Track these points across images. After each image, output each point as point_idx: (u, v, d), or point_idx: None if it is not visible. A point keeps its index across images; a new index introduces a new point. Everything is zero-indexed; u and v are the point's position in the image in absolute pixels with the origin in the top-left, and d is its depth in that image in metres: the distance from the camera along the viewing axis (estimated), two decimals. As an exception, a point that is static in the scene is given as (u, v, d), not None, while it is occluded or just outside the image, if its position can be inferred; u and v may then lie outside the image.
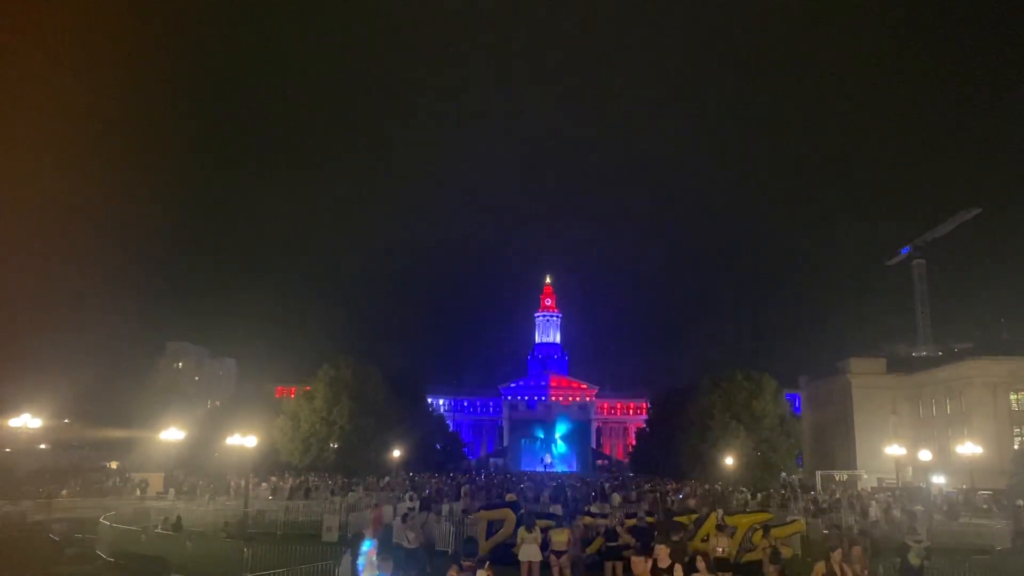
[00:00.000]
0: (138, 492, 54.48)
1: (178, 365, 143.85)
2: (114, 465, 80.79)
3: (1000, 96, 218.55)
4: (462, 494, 45.29)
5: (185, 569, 21.28)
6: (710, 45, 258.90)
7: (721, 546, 19.66)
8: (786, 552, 22.01)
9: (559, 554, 19.82)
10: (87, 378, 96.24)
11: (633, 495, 48.56)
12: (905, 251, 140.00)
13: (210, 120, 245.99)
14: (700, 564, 11.76)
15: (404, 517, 23.42)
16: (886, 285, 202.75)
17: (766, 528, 21.76)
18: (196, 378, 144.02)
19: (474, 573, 12.95)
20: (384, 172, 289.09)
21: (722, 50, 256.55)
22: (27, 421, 40.31)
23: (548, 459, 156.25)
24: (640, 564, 10.40)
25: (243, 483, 56.47)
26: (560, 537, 20.08)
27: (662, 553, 10.19)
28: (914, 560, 17.64)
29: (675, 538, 18.93)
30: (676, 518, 24.15)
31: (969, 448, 59.73)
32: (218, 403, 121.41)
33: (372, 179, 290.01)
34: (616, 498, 45.56)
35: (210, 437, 75.44)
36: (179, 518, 34.27)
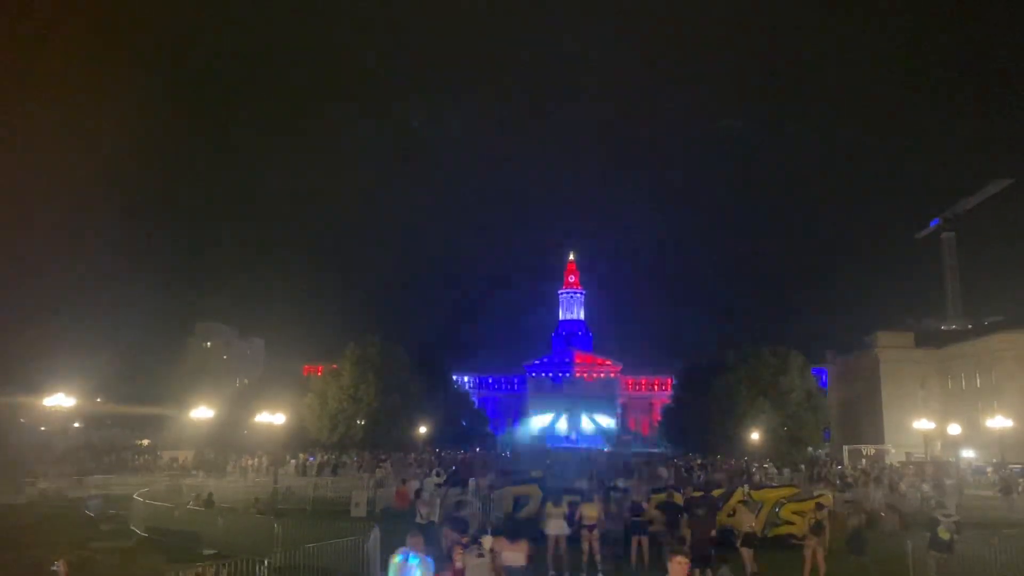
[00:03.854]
0: (168, 470, 55.54)
1: (207, 345, 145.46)
2: (146, 443, 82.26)
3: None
4: (488, 470, 45.54)
5: (217, 544, 21.59)
6: (739, 12, 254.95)
7: (747, 522, 19.64)
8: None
9: (591, 528, 19.86)
10: (118, 358, 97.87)
11: (660, 470, 48.62)
12: (934, 223, 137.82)
13: (237, 100, 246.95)
14: None
15: (417, 493, 23.65)
16: (915, 258, 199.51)
17: (819, 505, 21.48)
18: (225, 357, 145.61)
19: (479, 543, 13.01)
20: (407, 151, 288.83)
21: (750, 16, 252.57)
22: (61, 401, 41.08)
23: (573, 435, 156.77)
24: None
25: (256, 461, 57.55)
26: (591, 511, 20.09)
27: (678, 567, 8.32)
28: (943, 535, 17.55)
29: (700, 512, 18.96)
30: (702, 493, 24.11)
31: (999, 422, 59.07)
32: (246, 382, 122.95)
33: (396, 158, 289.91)
34: (663, 471, 45.83)
35: (239, 415, 76.52)
36: (210, 495, 34.80)
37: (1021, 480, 47.44)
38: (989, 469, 55.65)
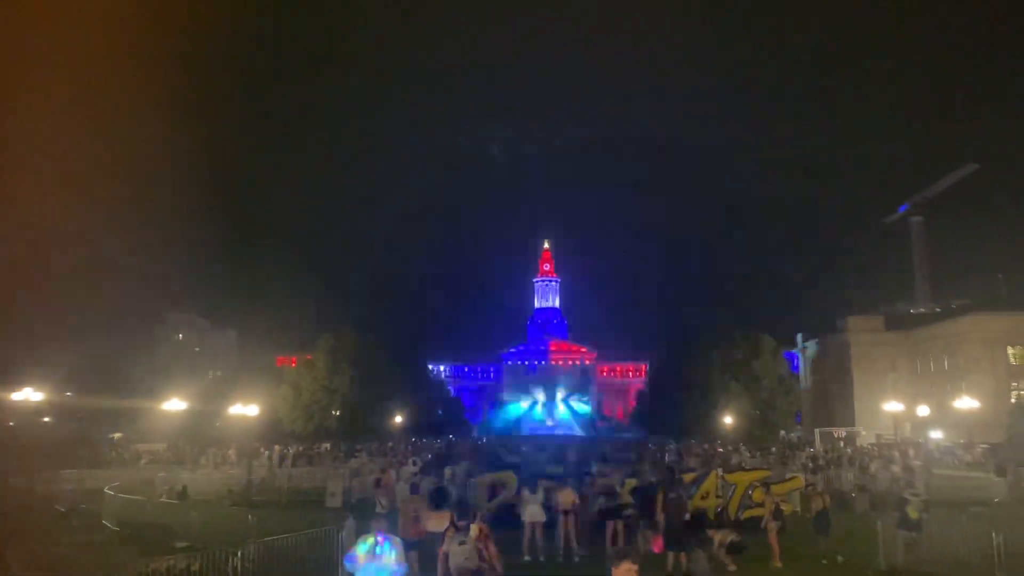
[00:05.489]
0: (142, 462, 54.96)
1: (179, 336, 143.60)
2: (118, 436, 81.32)
3: (998, 50, 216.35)
4: (464, 458, 45.53)
5: (191, 537, 21.44)
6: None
7: (717, 506, 19.98)
8: (786, 508, 22.27)
9: (566, 513, 20.00)
10: (87, 351, 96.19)
11: (633, 455, 48.92)
12: (903, 209, 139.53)
13: (205, 84, 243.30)
14: None
15: (377, 482, 23.60)
16: (885, 243, 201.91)
17: (767, 486, 22.00)
18: (197, 349, 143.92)
19: (466, 529, 13.28)
20: (382, 138, 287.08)
21: (718, 5, 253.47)
22: (29, 394, 40.49)
23: (549, 422, 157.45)
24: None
25: (227, 453, 57.25)
26: (566, 497, 20.24)
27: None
28: (912, 514, 17.87)
29: (673, 497, 19.14)
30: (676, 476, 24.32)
31: (967, 403, 60.22)
32: (219, 374, 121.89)
33: (370, 146, 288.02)
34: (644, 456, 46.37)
35: (213, 407, 75.94)
36: (184, 487, 34.53)
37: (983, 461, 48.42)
38: (978, 449, 56.53)
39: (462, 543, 13.14)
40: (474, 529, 13.42)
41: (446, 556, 13.24)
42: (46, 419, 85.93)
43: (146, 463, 54.42)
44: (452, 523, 13.95)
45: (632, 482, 23.35)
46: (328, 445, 67.32)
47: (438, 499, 15.59)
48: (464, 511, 15.78)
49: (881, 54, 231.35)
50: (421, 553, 14.94)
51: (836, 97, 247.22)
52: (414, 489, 20.16)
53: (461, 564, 12.94)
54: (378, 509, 19.52)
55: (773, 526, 19.19)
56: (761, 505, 22.60)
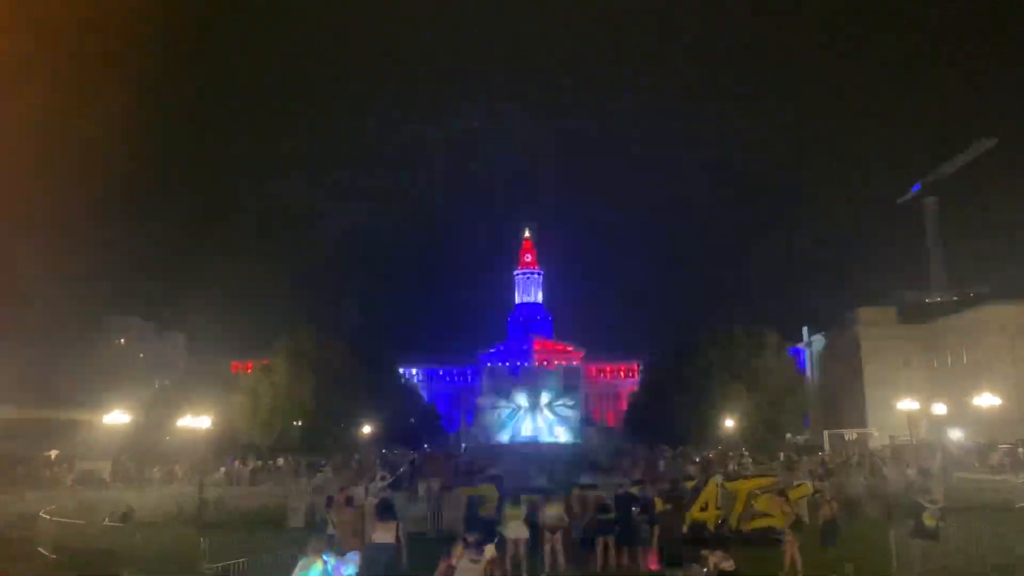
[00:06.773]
0: (70, 482, 54.56)
1: (120, 342, 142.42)
2: (53, 454, 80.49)
3: (1015, 17, 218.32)
4: (440, 470, 45.51)
5: (136, 564, 21.25)
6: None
7: (717, 517, 20.04)
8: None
9: (552, 531, 19.98)
10: (20, 360, 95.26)
11: (627, 463, 49.18)
12: (916, 189, 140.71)
13: (155, 69, 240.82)
14: None
15: (329, 500, 23.94)
16: (896, 228, 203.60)
17: (784, 494, 21.92)
18: (141, 355, 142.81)
19: (481, 549, 13.88)
20: (349, 126, 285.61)
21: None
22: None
23: (533, 429, 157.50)
24: None
25: (175, 469, 56.99)
26: (553, 512, 20.23)
27: None
28: (928, 522, 18.00)
29: (668, 508, 19.23)
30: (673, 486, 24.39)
31: (987, 399, 60.72)
32: (167, 382, 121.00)
33: (336, 133, 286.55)
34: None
35: (161, 419, 75.31)
36: (129, 509, 34.20)
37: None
38: (1008, 449, 57.24)
39: (474, 561, 13.74)
40: (489, 551, 14.19)
41: (450, 570, 13.67)
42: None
43: (76, 483, 53.97)
44: (463, 539, 14.55)
45: (623, 493, 23.39)
46: (282, 460, 66.86)
47: (383, 511, 17.20)
48: (476, 527, 16.87)
49: (890, 28, 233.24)
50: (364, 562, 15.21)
51: (846, 72, 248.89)
52: (349, 502, 21.47)
53: None
54: (329, 530, 19.58)
55: (792, 539, 19.11)
56: (766, 515, 22.68)
